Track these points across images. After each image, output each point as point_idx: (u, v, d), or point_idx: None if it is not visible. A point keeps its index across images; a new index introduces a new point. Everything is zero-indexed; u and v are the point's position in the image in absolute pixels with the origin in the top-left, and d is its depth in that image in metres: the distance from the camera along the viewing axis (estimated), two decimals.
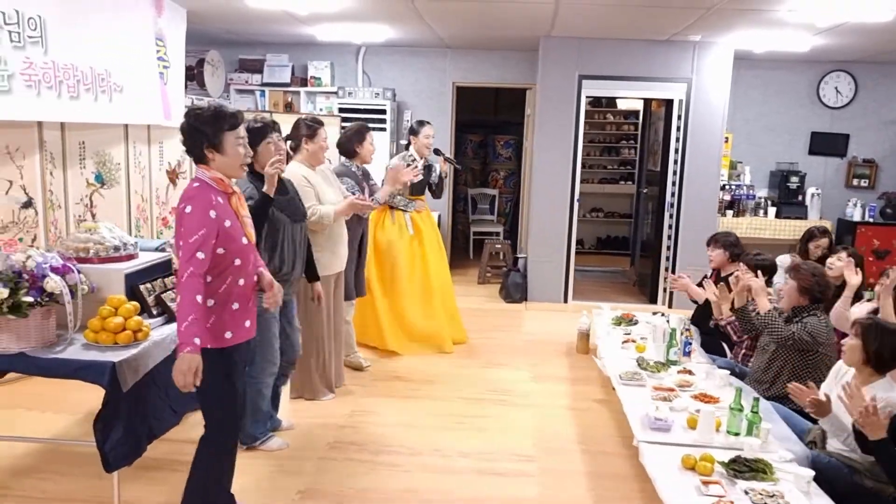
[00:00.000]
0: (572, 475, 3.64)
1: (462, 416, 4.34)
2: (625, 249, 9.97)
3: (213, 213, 2.59)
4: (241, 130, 2.74)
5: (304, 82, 8.25)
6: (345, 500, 3.30)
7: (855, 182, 8.19)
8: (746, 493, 2.82)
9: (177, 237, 2.62)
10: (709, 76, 6.95)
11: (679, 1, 5.15)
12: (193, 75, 7.58)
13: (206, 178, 2.66)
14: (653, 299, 7.42)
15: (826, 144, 8.17)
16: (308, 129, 4.12)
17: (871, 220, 7.86)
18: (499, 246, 8.26)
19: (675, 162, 7.09)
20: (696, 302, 5.29)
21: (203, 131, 2.61)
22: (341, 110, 7.92)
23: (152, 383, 3.02)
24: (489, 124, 10.96)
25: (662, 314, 5.51)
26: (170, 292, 3.37)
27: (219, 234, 2.61)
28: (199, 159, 2.66)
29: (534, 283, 7.34)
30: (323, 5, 5.77)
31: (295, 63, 8.27)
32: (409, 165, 5.20)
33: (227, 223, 2.64)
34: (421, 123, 5.58)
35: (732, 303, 4.44)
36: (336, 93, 8.11)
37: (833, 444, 3.41)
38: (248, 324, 2.81)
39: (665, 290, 7.30)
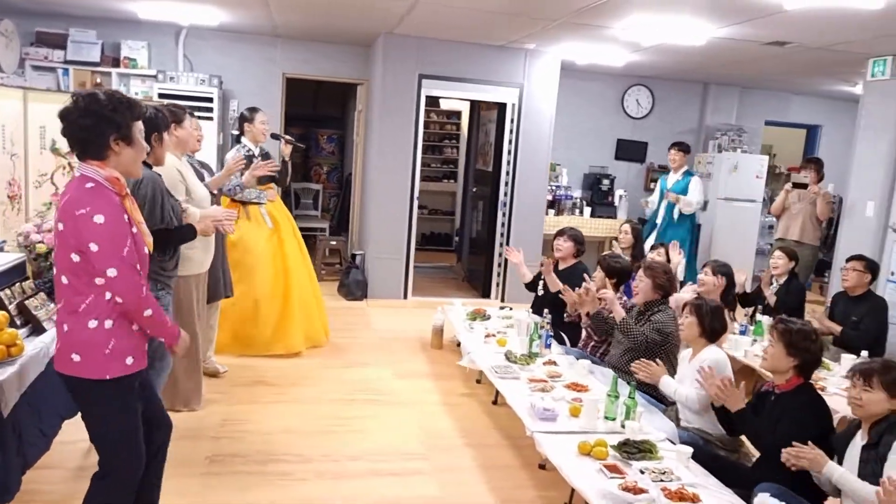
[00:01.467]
0: (465, 470, 3.72)
1: (340, 418, 4.25)
2: (448, 246, 10.28)
3: (125, 217, 2.27)
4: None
5: (116, 62, 7.50)
6: None
7: (652, 186, 9.14)
8: (642, 472, 3.07)
9: (79, 245, 2.21)
10: (539, 83, 7.39)
11: (532, 11, 5.43)
12: None
13: (99, 178, 2.25)
14: (485, 294, 7.74)
15: (629, 151, 9.06)
16: (173, 114, 3.77)
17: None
18: (334, 243, 8.13)
19: (508, 163, 7.46)
20: (532, 290, 5.61)
21: (115, 120, 2.25)
22: (162, 96, 7.30)
23: (25, 405, 2.61)
24: (309, 118, 10.74)
25: (511, 307, 5.82)
26: (32, 299, 2.93)
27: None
28: (96, 154, 2.27)
29: (374, 280, 7.33)
30: None
31: (105, 41, 7.49)
32: (248, 157, 4.99)
33: (134, 229, 2.32)
34: (253, 110, 5.33)
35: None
36: (155, 76, 7.48)
37: (685, 421, 3.84)
38: (146, 347, 2.48)
39: (498, 284, 7.66)
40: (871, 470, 2.72)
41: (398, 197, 7.28)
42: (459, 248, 9.35)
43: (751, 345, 4.83)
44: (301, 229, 9.31)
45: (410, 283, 7.47)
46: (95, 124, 2.24)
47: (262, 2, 5.86)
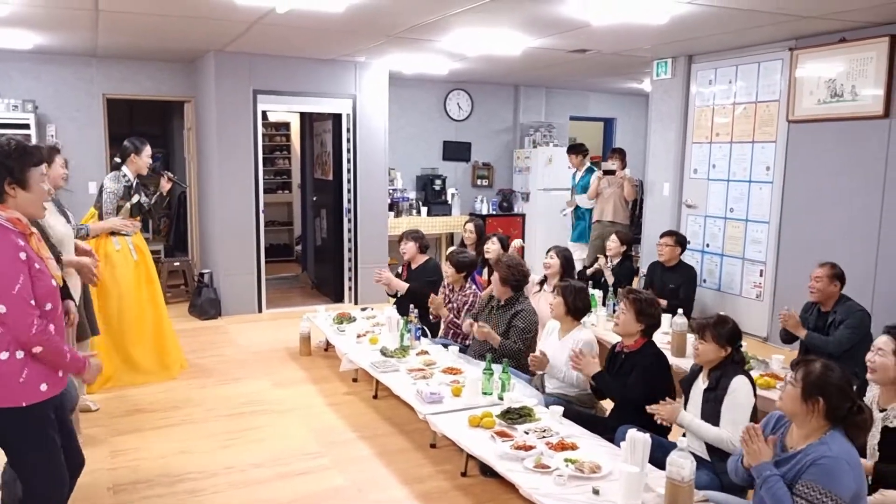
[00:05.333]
0: (365, 459, 4.01)
1: (233, 431, 4.36)
2: (288, 256, 10.35)
3: (23, 255, 2.41)
4: (45, 167, 2.62)
5: None
6: None
7: (479, 182, 9.88)
8: (526, 433, 3.56)
9: None
10: (369, 93, 7.75)
11: (366, 29, 5.77)
12: None
13: (0, 219, 2.43)
14: (338, 299, 7.98)
15: (455, 151, 9.69)
16: (48, 154, 3.74)
17: (493, 212, 9.59)
18: (177, 264, 7.97)
19: (349, 171, 7.75)
20: (392, 295, 5.97)
21: (7, 165, 2.43)
22: None
23: None
24: (126, 136, 10.28)
25: (372, 308, 6.15)
26: None
27: (31, 279, 2.44)
28: None
29: (226, 297, 7.32)
30: None
31: None
32: (127, 187, 4.97)
33: (37, 265, 2.48)
34: (143, 142, 5.32)
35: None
36: None
37: (549, 387, 4.40)
38: (60, 373, 2.59)
39: (350, 289, 7.93)
40: (711, 409, 3.30)
41: (243, 212, 7.34)
42: (304, 257, 9.48)
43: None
44: None
45: (264, 296, 7.54)
46: None
47: (89, 25, 5.69)
